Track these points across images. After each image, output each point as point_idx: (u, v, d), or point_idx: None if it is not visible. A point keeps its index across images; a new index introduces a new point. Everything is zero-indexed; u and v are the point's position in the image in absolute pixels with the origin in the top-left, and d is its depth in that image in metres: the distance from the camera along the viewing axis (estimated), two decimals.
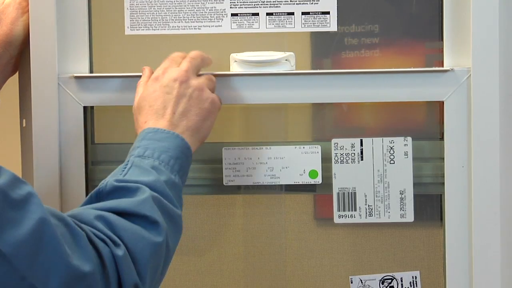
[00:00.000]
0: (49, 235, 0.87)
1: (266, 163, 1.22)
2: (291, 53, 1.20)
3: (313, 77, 1.19)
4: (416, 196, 1.21)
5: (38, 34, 1.20)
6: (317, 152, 1.21)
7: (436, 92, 1.18)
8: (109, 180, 1.03)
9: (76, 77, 1.21)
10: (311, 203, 1.24)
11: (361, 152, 1.21)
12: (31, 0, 1.20)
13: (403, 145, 1.20)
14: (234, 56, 1.21)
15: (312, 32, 1.22)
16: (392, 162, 1.20)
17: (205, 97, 1.13)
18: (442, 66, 1.19)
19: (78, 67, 1.23)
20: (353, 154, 1.21)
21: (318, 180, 1.21)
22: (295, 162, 1.22)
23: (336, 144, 1.21)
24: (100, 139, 1.26)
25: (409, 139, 1.20)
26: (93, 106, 1.24)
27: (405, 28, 1.22)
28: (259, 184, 1.22)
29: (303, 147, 1.22)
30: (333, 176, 1.21)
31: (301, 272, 1.26)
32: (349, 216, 1.21)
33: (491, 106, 1.16)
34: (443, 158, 1.19)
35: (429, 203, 1.22)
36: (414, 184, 1.21)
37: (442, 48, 1.20)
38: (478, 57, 1.16)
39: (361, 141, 1.21)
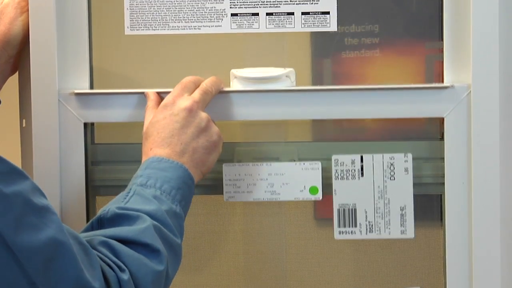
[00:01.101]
0: (66, 247, 0.88)
1: (267, 179, 1.22)
2: (291, 69, 1.20)
3: (313, 94, 1.19)
4: (416, 196, 1.21)
5: (38, 43, 1.20)
6: (317, 169, 1.21)
7: (436, 108, 1.18)
8: (110, 207, 1.03)
9: (77, 94, 1.21)
10: (311, 203, 1.24)
11: (361, 168, 1.21)
12: (31, 14, 1.20)
13: (404, 161, 1.20)
14: (234, 72, 1.20)
15: (312, 32, 1.22)
16: (392, 178, 1.20)
17: (214, 130, 1.14)
18: (442, 67, 1.19)
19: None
20: (353, 171, 1.21)
21: (319, 196, 1.21)
22: (295, 179, 1.22)
23: (336, 161, 1.21)
24: (100, 139, 1.26)
25: (409, 155, 1.20)
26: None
27: (405, 28, 1.22)
28: (260, 200, 1.22)
29: (303, 164, 1.22)
30: (333, 192, 1.21)
31: (301, 272, 1.26)
32: (350, 232, 1.21)
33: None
34: (443, 158, 1.19)
35: (429, 203, 1.22)
36: (414, 184, 1.21)
37: (442, 48, 1.19)
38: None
39: (361, 157, 1.21)
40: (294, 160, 1.22)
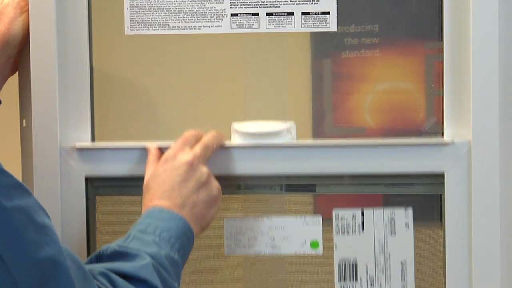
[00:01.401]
0: (63, 268, 0.88)
1: (268, 233, 1.23)
2: (292, 124, 1.21)
3: (313, 149, 1.20)
4: (416, 196, 1.21)
5: (38, 43, 1.21)
6: (318, 223, 1.22)
7: (436, 164, 1.18)
8: (110, 245, 1.04)
9: (78, 149, 1.22)
10: (311, 202, 1.24)
11: (362, 223, 1.21)
12: (31, 14, 1.20)
13: (404, 217, 1.21)
14: (235, 127, 1.21)
15: (312, 32, 1.22)
16: (393, 233, 1.21)
17: (214, 185, 1.14)
18: (442, 67, 1.19)
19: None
20: (354, 225, 1.22)
21: (320, 251, 1.22)
22: (296, 233, 1.23)
23: (337, 215, 1.22)
24: (100, 138, 1.26)
25: (410, 210, 1.21)
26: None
27: (405, 28, 1.22)
28: (261, 254, 1.23)
29: (304, 218, 1.22)
30: (334, 246, 1.22)
31: (301, 272, 1.26)
32: (350, 286, 1.22)
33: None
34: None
35: (429, 203, 1.22)
36: (415, 184, 1.21)
37: (442, 48, 1.19)
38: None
39: (362, 212, 1.22)
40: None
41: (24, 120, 1.25)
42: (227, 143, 1.20)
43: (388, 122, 1.23)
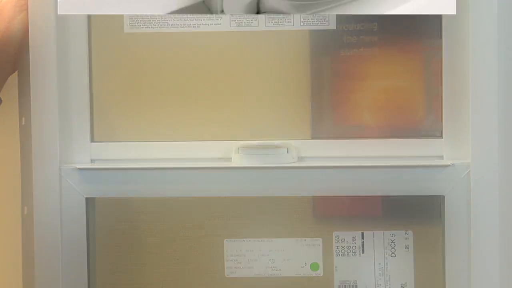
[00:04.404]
0: None
1: (268, 255, 1.23)
2: (293, 144, 1.21)
3: (313, 171, 1.20)
4: (415, 196, 1.21)
5: (37, 42, 1.21)
6: (319, 245, 1.23)
7: (436, 187, 1.19)
8: None
9: (79, 169, 1.22)
10: (310, 200, 1.25)
11: (362, 245, 1.22)
12: (30, 12, 1.20)
13: (404, 239, 1.21)
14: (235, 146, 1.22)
15: (311, 31, 1.22)
16: (393, 255, 1.22)
17: None
18: (441, 64, 1.19)
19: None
20: (354, 247, 1.22)
21: (320, 273, 1.23)
22: (296, 255, 1.23)
23: (337, 237, 1.22)
24: (99, 137, 1.26)
25: (410, 232, 1.21)
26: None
27: (404, 26, 1.22)
28: (261, 276, 1.24)
29: (305, 240, 1.23)
30: (334, 269, 1.23)
31: None
32: None
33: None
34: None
35: (429, 203, 1.22)
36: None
37: (441, 46, 1.20)
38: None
39: (362, 234, 1.22)
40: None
41: (23, 119, 1.25)
42: (226, 165, 1.21)
43: (387, 120, 1.23)
